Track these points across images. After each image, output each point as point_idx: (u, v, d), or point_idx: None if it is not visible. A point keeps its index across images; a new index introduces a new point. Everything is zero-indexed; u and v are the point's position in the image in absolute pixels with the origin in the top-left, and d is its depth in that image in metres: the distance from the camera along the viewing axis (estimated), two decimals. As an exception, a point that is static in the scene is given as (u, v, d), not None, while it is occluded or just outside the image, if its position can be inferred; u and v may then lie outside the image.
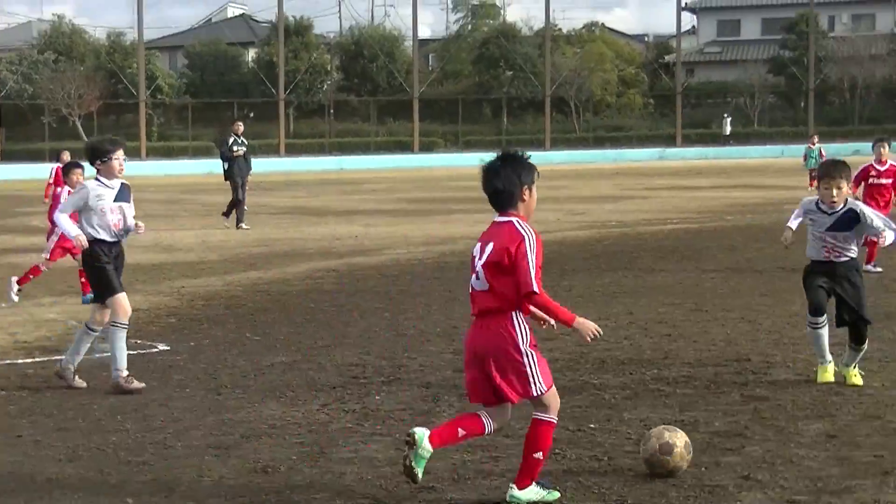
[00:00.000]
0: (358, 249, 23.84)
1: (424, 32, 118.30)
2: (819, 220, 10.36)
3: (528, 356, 7.17)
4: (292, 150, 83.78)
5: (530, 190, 7.24)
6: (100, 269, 11.07)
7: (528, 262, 7.02)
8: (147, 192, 47.61)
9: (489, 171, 7.23)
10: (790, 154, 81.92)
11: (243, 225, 29.33)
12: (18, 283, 17.02)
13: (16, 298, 16.81)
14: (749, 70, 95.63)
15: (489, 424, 7.33)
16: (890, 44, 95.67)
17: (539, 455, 7.25)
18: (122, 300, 11.07)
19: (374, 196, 43.38)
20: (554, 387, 7.36)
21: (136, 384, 10.81)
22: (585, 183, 50.51)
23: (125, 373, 10.83)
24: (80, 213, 11.12)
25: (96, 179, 11.19)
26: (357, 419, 9.56)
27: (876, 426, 8.90)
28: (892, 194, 18.57)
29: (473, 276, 7.24)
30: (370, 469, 8.13)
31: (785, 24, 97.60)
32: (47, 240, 17.45)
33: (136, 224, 11.39)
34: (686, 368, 11.19)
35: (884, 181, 18.57)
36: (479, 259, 7.19)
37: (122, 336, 10.95)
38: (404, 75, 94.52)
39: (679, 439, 7.70)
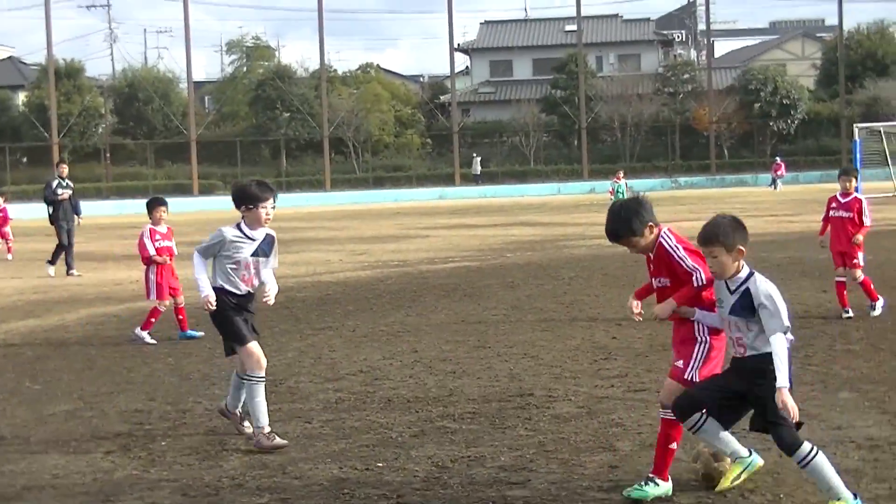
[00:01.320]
0: (139, 294, 23.38)
1: (199, 74, 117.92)
2: (723, 299, 7.85)
3: None
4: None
5: None
6: (224, 316, 10.15)
7: None
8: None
9: None
10: (567, 191, 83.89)
11: (74, 272, 28.14)
12: (143, 328, 16.62)
13: (152, 341, 16.41)
14: (522, 109, 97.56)
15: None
16: (655, 83, 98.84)
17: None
18: (254, 349, 10.05)
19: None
20: None
21: (279, 441, 9.83)
22: (367, 223, 50.70)
23: (267, 429, 9.87)
24: (213, 258, 10.31)
25: (238, 227, 10.23)
26: (143, 466, 9.43)
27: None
28: (856, 231, 16.90)
29: None
30: (158, 516, 8.04)
31: (555, 64, 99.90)
32: (146, 283, 17.07)
33: (265, 292, 10.30)
34: (471, 405, 11.33)
35: (843, 214, 17.03)
36: None
37: (259, 390, 9.98)
38: (181, 118, 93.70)
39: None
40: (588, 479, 8.53)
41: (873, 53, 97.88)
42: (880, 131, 64.39)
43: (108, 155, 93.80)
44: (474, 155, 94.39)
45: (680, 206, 53.98)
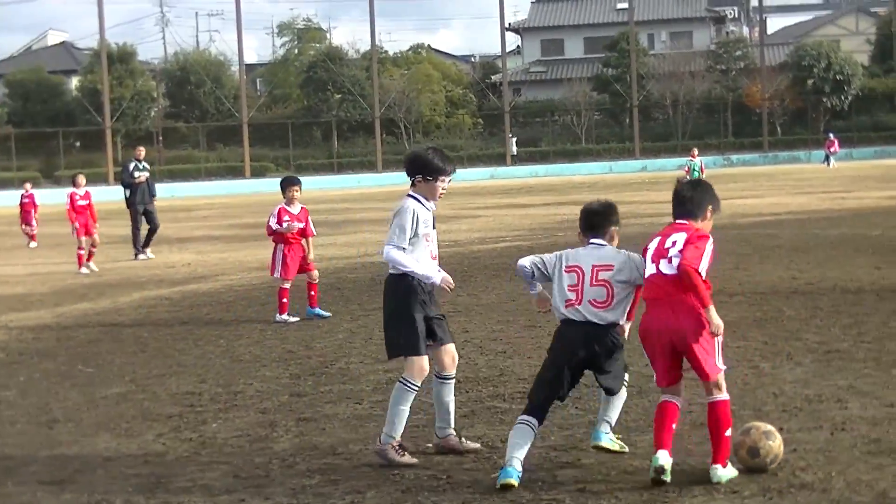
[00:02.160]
0: (191, 277, 23.60)
1: (251, 57, 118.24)
2: None
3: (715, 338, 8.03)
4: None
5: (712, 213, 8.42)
6: (408, 317, 8.88)
7: (703, 251, 8.05)
8: (-29, 225, 46.56)
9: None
10: (618, 170, 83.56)
11: (146, 253, 28.26)
12: (281, 312, 16.62)
13: (294, 319, 16.47)
14: (574, 88, 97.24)
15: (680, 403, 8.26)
16: (707, 60, 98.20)
17: (729, 432, 8.01)
18: (423, 363, 8.89)
19: (206, 223, 42.98)
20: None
21: (409, 458, 8.71)
22: (417, 204, 50.60)
23: (397, 441, 8.77)
24: None
25: (414, 198, 9.14)
26: (194, 448, 9.48)
27: (705, 434, 8.99)
28: None
29: (662, 262, 8.11)
30: (208, 498, 8.06)
31: (606, 42, 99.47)
32: (272, 260, 17.09)
33: (441, 280, 9.03)
34: (522, 385, 11.29)
35: None
36: (673, 249, 8.12)
37: (408, 398, 8.83)
38: (232, 100, 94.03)
39: (764, 440, 8.01)
40: (638, 459, 8.48)
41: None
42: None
43: (160, 138, 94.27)
44: (510, 135, 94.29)
45: (733, 184, 53.65)
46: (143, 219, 28.82)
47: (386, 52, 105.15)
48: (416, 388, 8.88)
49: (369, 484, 8.18)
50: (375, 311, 16.82)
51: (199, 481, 8.49)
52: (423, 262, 8.98)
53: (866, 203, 37.00)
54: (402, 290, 8.94)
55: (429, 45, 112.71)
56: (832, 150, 75.86)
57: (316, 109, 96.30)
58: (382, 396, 11.01)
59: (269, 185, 78.30)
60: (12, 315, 18.66)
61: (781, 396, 10.15)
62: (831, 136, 78.97)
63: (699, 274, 7.91)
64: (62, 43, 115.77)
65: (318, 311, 16.73)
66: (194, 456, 9.23)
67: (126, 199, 29.09)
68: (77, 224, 26.31)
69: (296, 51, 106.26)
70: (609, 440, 8.56)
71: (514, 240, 28.69)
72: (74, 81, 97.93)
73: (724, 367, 8.08)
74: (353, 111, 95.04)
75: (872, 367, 11.34)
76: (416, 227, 8.95)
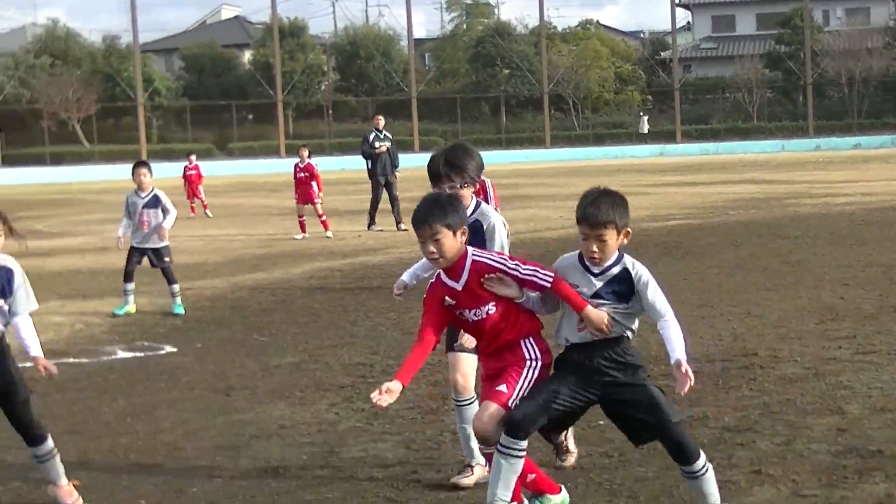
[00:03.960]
0: (362, 249, 23.82)
1: (419, 32, 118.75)
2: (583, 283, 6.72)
3: None
4: (293, 152, 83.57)
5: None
6: None
7: None
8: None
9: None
10: (790, 148, 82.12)
11: (402, 226, 27.41)
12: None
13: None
14: (745, 65, 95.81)
15: None
16: (886, 37, 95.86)
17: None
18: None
19: (374, 196, 43.22)
20: None
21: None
22: (587, 180, 50.36)
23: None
24: None
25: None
26: (366, 419, 9.55)
27: (886, 420, 8.84)
28: None
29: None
30: (381, 468, 8.12)
31: (779, 19, 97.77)
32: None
33: None
34: (693, 364, 11.10)
35: None
36: None
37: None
38: (401, 75, 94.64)
39: None
40: (815, 442, 8.32)
41: None
42: None
43: (330, 112, 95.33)
44: (641, 114, 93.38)
45: (910, 164, 52.37)
46: (384, 190, 28.82)
47: (554, 27, 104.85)
48: (467, 402, 7.81)
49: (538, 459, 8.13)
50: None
51: (371, 451, 8.56)
52: None
53: None
54: None
55: (597, 21, 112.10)
56: None
57: (484, 84, 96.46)
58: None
59: (437, 160, 78.74)
60: (189, 283, 18.94)
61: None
62: None
63: None
64: (235, 17, 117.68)
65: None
66: (367, 426, 9.30)
67: (368, 170, 29.12)
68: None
69: (464, 26, 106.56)
70: None
71: (685, 218, 28.37)
72: (247, 55, 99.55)
73: None
74: (521, 87, 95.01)
75: None
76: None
